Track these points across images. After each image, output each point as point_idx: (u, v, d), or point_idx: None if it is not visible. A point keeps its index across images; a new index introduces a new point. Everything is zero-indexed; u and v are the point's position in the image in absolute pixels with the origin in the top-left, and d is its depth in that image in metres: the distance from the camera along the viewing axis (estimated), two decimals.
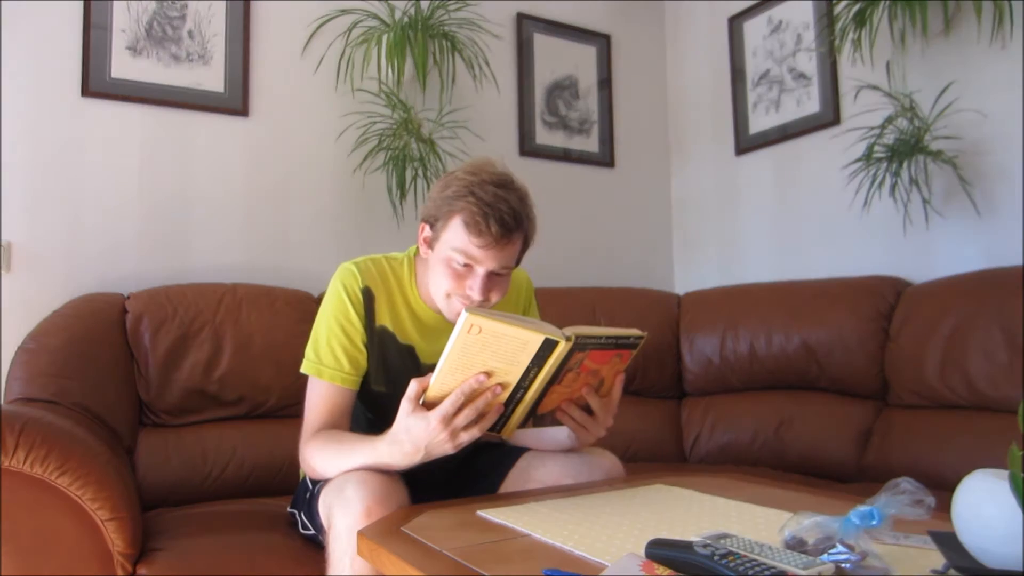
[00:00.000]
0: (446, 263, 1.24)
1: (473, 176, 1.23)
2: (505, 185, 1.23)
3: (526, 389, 1.12)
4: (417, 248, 1.36)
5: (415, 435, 1.11)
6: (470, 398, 1.09)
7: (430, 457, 1.13)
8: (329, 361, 1.30)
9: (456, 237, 1.22)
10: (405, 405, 1.12)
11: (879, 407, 2.07)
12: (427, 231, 1.29)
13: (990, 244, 2.06)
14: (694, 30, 3.03)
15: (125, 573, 1.30)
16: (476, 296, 1.23)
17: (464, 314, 1.02)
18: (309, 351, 1.33)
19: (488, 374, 1.08)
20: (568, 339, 1.06)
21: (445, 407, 1.08)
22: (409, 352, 1.37)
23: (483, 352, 1.06)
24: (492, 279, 1.25)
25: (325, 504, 1.18)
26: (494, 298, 1.27)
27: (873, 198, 2.18)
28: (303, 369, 1.33)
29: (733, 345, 2.36)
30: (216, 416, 1.92)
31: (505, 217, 1.20)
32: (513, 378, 1.10)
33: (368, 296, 1.33)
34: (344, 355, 1.31)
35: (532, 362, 1.08)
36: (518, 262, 1.31)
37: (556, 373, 1.12)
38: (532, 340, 1.05)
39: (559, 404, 1.21)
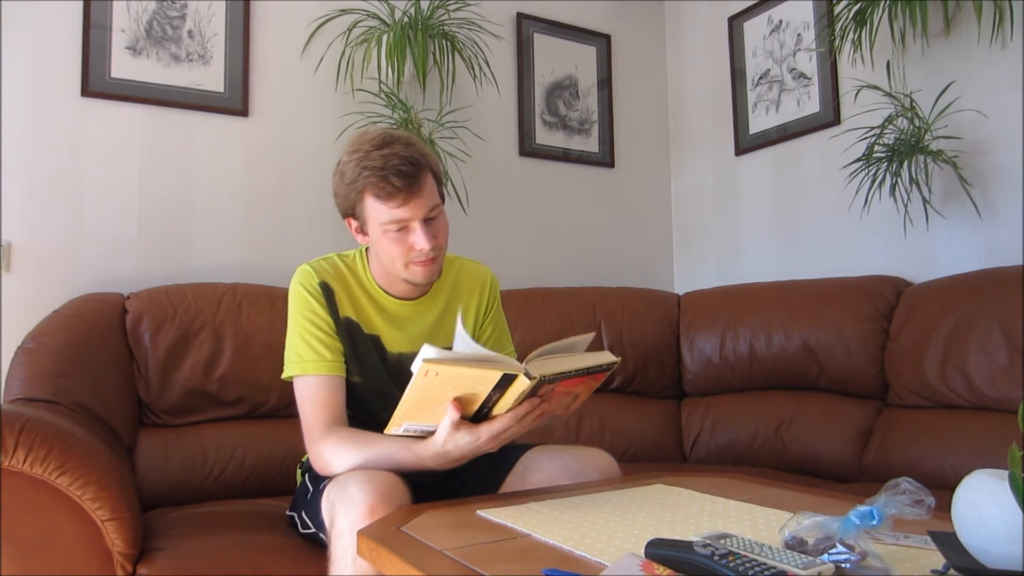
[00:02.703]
0: (384, 236, 1.29)
1: (356, 152, 1.28)
2: (386, 143, 1.27)
3: (491, 407, 1.15)
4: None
5: (463, 447, 1.15)
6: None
7: (475, 456, 1.19)
8: (309, 355, 1.32)
9: (376, 212, 1.27)
10: (448, 426, 1.14)
11: (879, 407, 2.07)
12: (353, 223, 1.34)
13: (990, 244, 2.06)
14: (694, 30, 3.03)
15: (125, 573, 1.30)
16: (426, 245, 1.27)
17: (420, 363, 1.04)
18: (289, 354, 1.34)
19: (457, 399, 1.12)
20: (532, 378, 1.07)
21: (495, 427, 1.13)
22: (374, 342, 1.38)
23: (443, 387, 1.10)
24: (429, 225, 1.29)
25: (328, 501, 1.18)
26: (440, 239, 1.31)
27: (873, 198, 2.18)
28: (287, 374, 1.34)
29: (733, 345, 2.36)
30: (216, 416, 1.92)
31: (401, 167, 1.24)
32: (476, 404, 1.13)
33: (327, 290, 1.36)
34: (321, 345, 1.32)
35: (494, 389, 1.10)
36: (443, 198, 1.36)
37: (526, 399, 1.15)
38: (490, 376, 1.07)
39: None
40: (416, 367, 1.05)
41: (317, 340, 1.32)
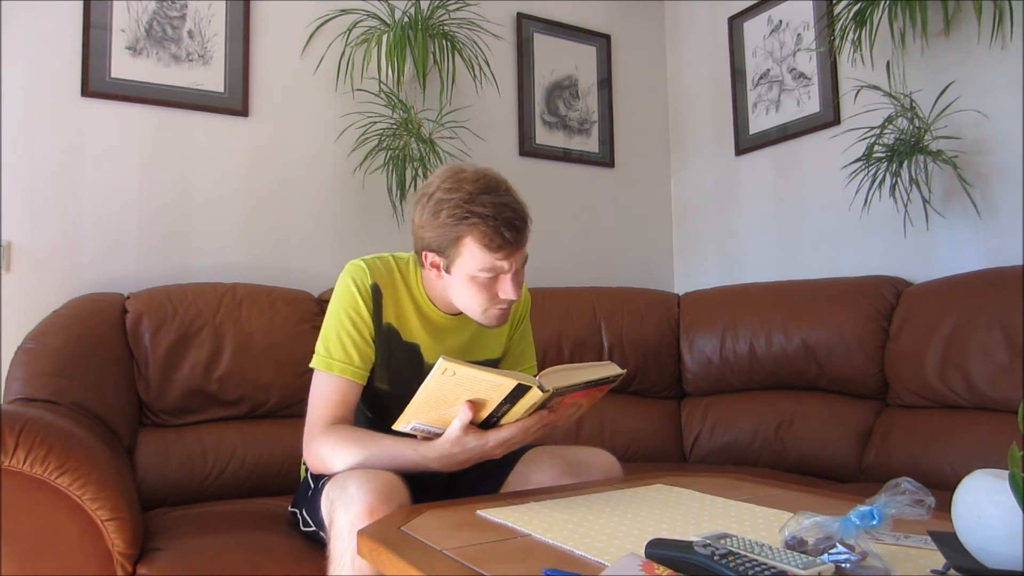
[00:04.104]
0: (471, 281, 1.26)
1: (456, 192, 1.22)
2: (491, 187, 1.23)
3: (500, 417, 1.17)
4: None
5: (470, 451, 1.16)
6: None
7: (479, 461, 1.21)
8: (339, 355, 1.31)
9: (476, 258, 1.23)
10: (458, 428, 1.15)
11: (879, 407, 2.07)
12: (434, 258, 1.28)
13: (990, 244, 2.06)
14: (694, 30, 3.03)
15: (125, 573, 1.30)
16: (515, 296, 1.26)
17: (440, 360, 1.08)
18: (319, 346, 1.34)
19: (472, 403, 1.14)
20: (545, 391, 1.10)
21: (503, 434, 1.15)
22: (413, 350, 1.37)
23: (457, 389, 1.11)
24: (517, 274, 1.28)
25: (328, 500, 1.18)
26: (521, 284, 1.30)
27: (873, 198, 2.18)
28: (313, 364, 1.33)
29: (733, 345, 2.36)
30: (216, 416, 1.92)
31: (515, 221, 1.22)
32: (486, 412, 1.15)
33: (376, 292, 1.34)
34: (354, 349, 1.31)
35: (505, 400, 1.12)
36: None
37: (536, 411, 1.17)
38: (504, 384, 1.10)
39: None
40: (435, 366, 1.08)
41: (352, 343, 1.31)
